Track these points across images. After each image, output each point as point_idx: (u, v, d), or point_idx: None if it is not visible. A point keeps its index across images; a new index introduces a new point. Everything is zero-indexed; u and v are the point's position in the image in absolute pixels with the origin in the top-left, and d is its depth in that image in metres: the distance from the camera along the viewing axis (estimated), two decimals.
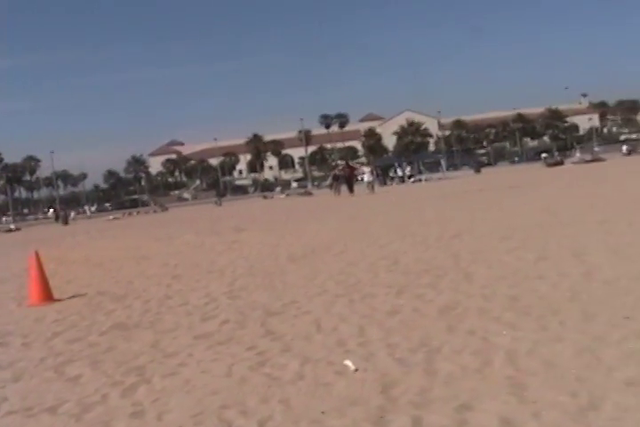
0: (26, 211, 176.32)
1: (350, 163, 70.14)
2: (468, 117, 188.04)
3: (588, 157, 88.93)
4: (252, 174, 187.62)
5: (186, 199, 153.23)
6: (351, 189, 49.97)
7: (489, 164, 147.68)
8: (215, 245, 21.64)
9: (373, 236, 19.00)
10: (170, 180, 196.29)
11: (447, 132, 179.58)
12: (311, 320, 8.99)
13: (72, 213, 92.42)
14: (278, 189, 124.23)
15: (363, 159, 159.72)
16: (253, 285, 12.65)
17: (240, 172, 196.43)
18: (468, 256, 13.10)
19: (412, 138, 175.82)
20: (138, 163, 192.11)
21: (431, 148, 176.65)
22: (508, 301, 8.83)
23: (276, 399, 6.10)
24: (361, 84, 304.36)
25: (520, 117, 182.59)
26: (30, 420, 6.32)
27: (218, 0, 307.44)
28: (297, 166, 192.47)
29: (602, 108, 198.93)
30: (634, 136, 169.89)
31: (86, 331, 10.05)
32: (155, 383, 7.05)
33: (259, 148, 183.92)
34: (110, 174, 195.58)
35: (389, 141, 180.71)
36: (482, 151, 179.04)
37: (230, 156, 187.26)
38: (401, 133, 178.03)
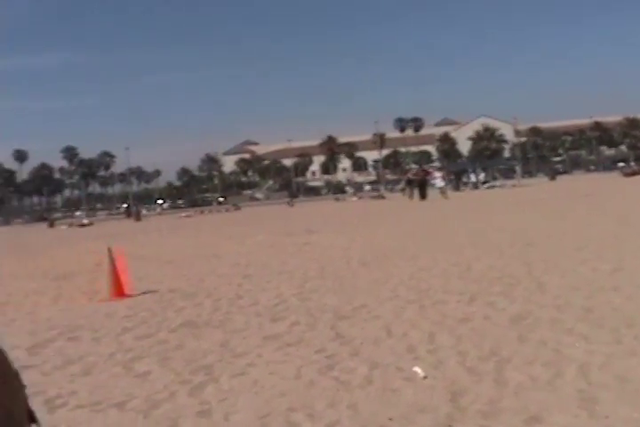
0: (99, 206, 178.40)
1: (424, 167, 69.79)
2: (544, 124, 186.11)
3: None
4: (325, 176, 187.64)
5: (258, 199, 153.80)
6: (424, 194, 49.74)
7: (564, 172, 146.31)
8: (287, 246, 21.68)
9: (446, 241, 18.90)
10: (243, 179, 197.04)
11: (523, 139, 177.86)
12: (381, 325, 8.95)
13: (143, 210, 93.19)
14: (351, 191, 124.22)
15: (436, 164, 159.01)
16: (324, 287, 12.65)
17: (313, 173, 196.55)
18: (541, 265, 12.96)
19: (487, 144, 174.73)
20: (212, 161, 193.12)
21: (506, 154, 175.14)
22: (582, 312, 8.71)
23: (343, 404, 6.07)
24: (437, 89, 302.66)
25: (597, 126, 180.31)
26: (98, 415, 6.36)
27: (301, 4, 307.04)
28: (370, 169, 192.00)
29: None
30: None
31: (156, 328, 10.12)
32: (223, 383, 7.06)
33: (332, 149, 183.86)
34: (184, 172, 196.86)
35: (464, 146, 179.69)
36: (557, 159, 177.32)
37: (304, 157, 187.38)
38: (476, 139, 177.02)
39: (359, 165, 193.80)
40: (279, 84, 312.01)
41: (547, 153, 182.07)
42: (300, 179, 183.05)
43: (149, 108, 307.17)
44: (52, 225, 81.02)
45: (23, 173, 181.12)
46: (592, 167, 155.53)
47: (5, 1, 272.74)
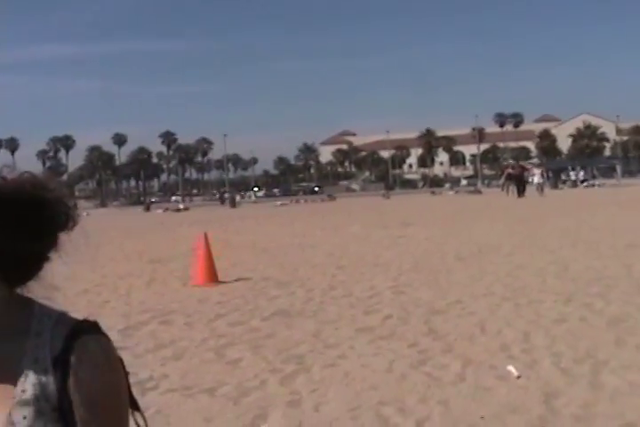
0: (195, 192, 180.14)
1: (522, 163, 69.08)
2: None
3: None
4: (422, 169, 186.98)
5: (354, 190, 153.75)
6: (522, 190, 49.19)
7: None
8: (382, 239, 21.64)
9: (543, 239, 18.67)
10: (339, 169, 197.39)
11: (625, 138, 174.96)
12: (475, 322, 8.88)
13: (237, 197, 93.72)
14: (447, 185, 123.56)
15: (535, 160, 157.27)
16: (418, 281, 12.61)
17: (410, 166, 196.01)
18: None
19: (588, 142, 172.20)
20: (309, 151, 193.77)
21: (607, 153, 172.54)
22: None
23: (435, 400, 6.03)
24: (538, 84, 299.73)
25: None
26: (189, 399, 6.42)
27: None
28: (468, 164, 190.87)
29: None
30: None
31: (249, 315, 10.19)
32: (314, 373, 7.08)
33: (430, 143, 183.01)
34: (280, 161, 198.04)
35: (564, 144, 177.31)
36: None
37: (401, 149, 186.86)
38: (576, 136, 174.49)
39: (457, 160, 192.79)
40: (381, 75, 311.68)
41: None
42: (397, 171, 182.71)
43: (249, 96, 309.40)
44: (147, 209, 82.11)
45: (122, 156, 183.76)
46: None
47: None
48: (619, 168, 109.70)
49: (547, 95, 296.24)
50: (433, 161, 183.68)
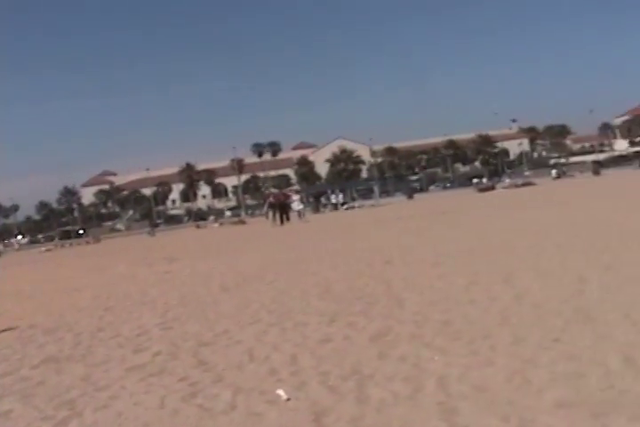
0: None
1: (284, 190, 69.93)
2: (399, 144, 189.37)
3: (519, 182, 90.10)
4: (186, 204, 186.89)
5: (119, 230, 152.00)
6: (285, 217, 49.75)
7: (421, 190, 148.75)
8: (147, 276, 21.48)
9: (305, 264, 19.00)
10: (103, 210, 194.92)
11: (379, 159, 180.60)
12: (243, 350, 8.95)
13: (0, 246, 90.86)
14: (212, 218, 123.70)
15: (296, 187, 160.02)
16: (185, 315, 12.59)
17: (173, 201, 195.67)
18: (399, 283, 13.15)
19: (345, 165, 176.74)
20: (70, 194, 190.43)
21: (364, 175, 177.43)
22: (440, 326, 8.88)
23: None
24: (293, 113, 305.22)
25: (451, 143, 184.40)
26: None
27: (148, 29, 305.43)
28: (230, 195, 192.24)
29: (531, 133, 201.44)
30: (563, 160, 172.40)
31: (17, 364, 9.92)
32: (86, 417, 6.98)
33: (191, 177, 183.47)
34: (42, 205, 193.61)
35: (322, 169, 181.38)
36: (414, 177, 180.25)
37: (163, 185, 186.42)
38: (333, 161, 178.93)
39: (219, 192, 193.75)
40: (135, 113, 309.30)
41: (403, 172, 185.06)
42: (161, 208, 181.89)
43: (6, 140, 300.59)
44: None
45: None
46: (448, 184, 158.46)
47: None
48: (376, 189, 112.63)
49: (302, 123, 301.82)
50: (195, 195, 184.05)
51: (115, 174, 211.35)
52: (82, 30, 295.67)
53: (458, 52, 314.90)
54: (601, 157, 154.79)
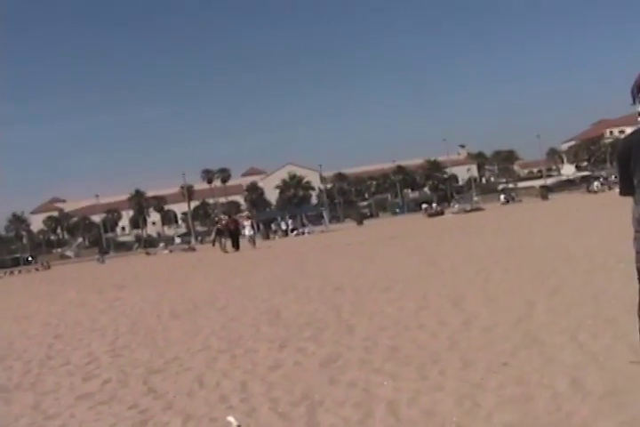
0: None
1: (234, 217, 69.74)
2: (349, 170, 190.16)
3: (468, 207, 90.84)
4: (135, 231, 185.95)
5: (69, 257, 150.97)
6: (236, 244, 49.51)
7: (371, 215, 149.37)
8: (97, 303, 21.35)
9: (255, 290, 18.98)
10: (52, 237, 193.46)
11: (329, 185, 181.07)
12: (193, 377, 8.94)
13: None
14: (162, 245, 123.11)
15: (245, 213, 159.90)
16: (135, 342, 12.53)
17: (123, 228, 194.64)
18: (349, 308, 13.20)
19: (295, 191, 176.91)
20: (19, 221, 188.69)
21: (314, 201, 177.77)
22: (389, 351, 8.92)
23: None
24: (242, 139, 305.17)
25: (400, 169, 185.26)
26: None
27: (99, 53, 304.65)
28: (180, 222, 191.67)
29: (479, 159, 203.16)
30: (511, 185, 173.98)
31: None
32: None
33: (141, 204, 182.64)
34: None
35: (272, 195, 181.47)
36: (364, 203, 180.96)
37: (112, 212, 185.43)
38: (283, 187, 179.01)
39: (169, 218, 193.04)
40: (83, 139, 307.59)
41: (353, 198, 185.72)
42: (110, 235, 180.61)
43: None
44: None
45: None
46: (397, 210, 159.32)
47: None
48: (325, 215, 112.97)
49: (251, 149, 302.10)
50: (145, 222, 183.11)
51: (64, 201, 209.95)
52: (28, 55, 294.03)
53: (405, 79, 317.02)
54: (548, 181, 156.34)
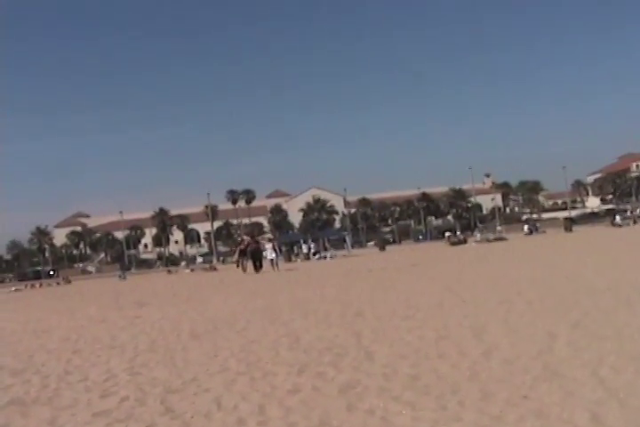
0: None
1: (256, 238, 69.73)
2: (373, 195, 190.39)
3: (491, 237, 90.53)
4: (158, 248, 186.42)
5: (90, 272, 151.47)
6: (258, 265, 49.40)
7: (394, 241, 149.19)
8: (117, 320, 21.36)
9: (276, 313, 18.96)
10: (74, 252, 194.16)
11: (353, 210, 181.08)
12: (211, 398, 8.92)
13: None
14: (183, 263, 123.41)
15: (268, 235, 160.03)
16: (154, 361, 12.53)
17: (145, 245, 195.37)
18: (369, 335, 13.15)
19: (318, 215, 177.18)
20: (42, 234, 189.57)
21: (337, 225, 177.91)
22: (409, 380, 8.89)
23: None
24: (268, 161, 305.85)
25: (424, 196, 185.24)
26: None
27: (128, 70, 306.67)
28: (203, 241, 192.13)
29: (504, 188, 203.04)
30: (535, 216, 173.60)
31: None
32: None
33: (164, 222, 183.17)
34: (14, 245, 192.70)
35: (295, 218, 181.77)
36: (387, 229, 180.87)
37: (136, 229, 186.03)
38: (307, 210, 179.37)
39: (192, 238, 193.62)
40: (111, 156, 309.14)
41: (376, 223, 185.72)
42: (133, 251, 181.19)
43: None
44: None
45: None
46: (420, 237, 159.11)
47: None
48: (348, 239, 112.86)
49: (276, 172, 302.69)
50: (168, 240, 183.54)
51: (88, 216, 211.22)
52: (55, 69, 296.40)
53: (432, 106, 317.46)
54: (573, 213, 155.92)
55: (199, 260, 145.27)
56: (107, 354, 14.10)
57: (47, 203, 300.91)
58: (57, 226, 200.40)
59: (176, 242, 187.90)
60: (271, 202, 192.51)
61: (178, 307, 24.24)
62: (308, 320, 16.58)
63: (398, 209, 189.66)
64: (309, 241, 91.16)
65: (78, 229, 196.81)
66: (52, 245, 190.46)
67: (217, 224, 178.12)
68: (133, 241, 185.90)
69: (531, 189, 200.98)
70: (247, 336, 14.64)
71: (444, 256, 51.59)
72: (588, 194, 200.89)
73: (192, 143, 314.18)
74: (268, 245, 55.15)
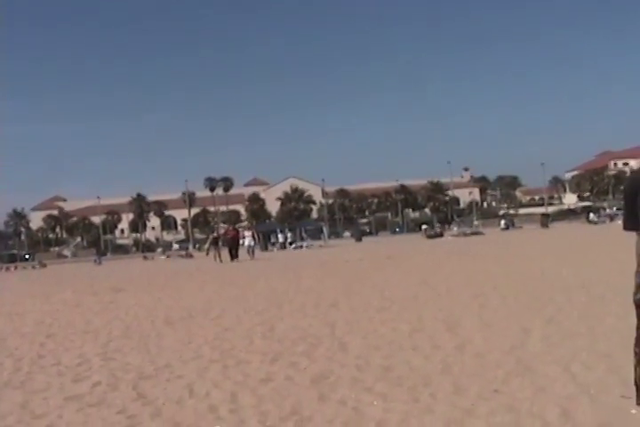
0: None
1: (234, 226, 69.55)
2: (351, 187, 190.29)
3: (468, 231, 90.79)
4: (134, 234, 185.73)
5: (66, 256, 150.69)
6: (234, 254, 49.28)
7: (370, 233, 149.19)
8: (92, 305, 21.34)
9: (251, 301, 18.99)
10: (51, 236, 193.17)
11: (330, 201, 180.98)
12: (184, 385, 8.92)
13: None
14: (159, 250, 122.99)
15: (245, 223, 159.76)
16: (128, 347, 12.51)
17: (122, 231, 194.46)
18: (343, 326, 13.19)
19: (296, 204, 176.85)
20: (19, 217, 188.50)
21: (314, 215, 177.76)
22: (381, 371, 8.91)
23: None
24: (247, 149, 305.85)
25: (402, 189, 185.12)
26: None
27: (109, 57, 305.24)
28: (179, 228, 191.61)
29: (482, 183, 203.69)
30: (512, 211, 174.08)
31: None
32: None
33: (142, 207, 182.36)
34: None
35: (273, 207, 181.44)
36: (364, 220, 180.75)
37: (112, 214, 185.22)
38: (284, 199, 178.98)
39: (168, 224, 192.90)
40: (90, 141, 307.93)
41: (354, 214, 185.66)
42: (109, 236, 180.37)
43: None
44: None
45: None
46: (397, 229, 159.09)
47: None
48: (325, 230, 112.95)
49: (255, 160, 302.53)
50: (145, 226, 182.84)
51: (65, 200, 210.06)
52: (35, 54, 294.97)
53: (413, 100, 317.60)
54: (550, 209, 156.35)
55: (175, 246, 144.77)
56: (80, 339, 14.08)
57: (25, 186, 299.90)
58: (34, 209, 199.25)
59: (153, 228, 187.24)
60: (249, 190, 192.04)
61: (153, 293, 24.23)
62: (282, 310, 16.61)
63: (376, 201, 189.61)
64: (286, 231, 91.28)
65: (55, 212, 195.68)
66: (29, 229, 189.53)
67: (194, 211, 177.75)
68: (110, 226, 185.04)
69: (509, 184, 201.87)
70: (221, 324, 14.65)
71: (420, 249, 51.72)
72: (565, 191, 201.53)
73: (172, 130, 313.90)
74: (247, 233, 55.14)
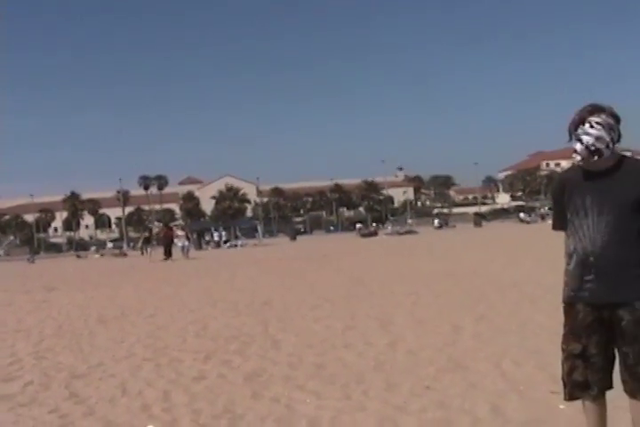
0: None
1: (169, 225, 69.08)
2: (286, 185, 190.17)
3: (401, 230, 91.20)
4: (68, 233, 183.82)
5: None
6: (168, 253, 49.05)
7: (305, 232, 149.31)
8: (24, 304, 21.14)
9: (184, 300, 18.94)
10: None
11: (265, 199, 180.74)
12: (117, 384, 8.88)
13: None
14: (93, 248, 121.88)
15: (180, 222, 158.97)
16: (60, 346, 12.42)
17: (55, 229, 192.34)
18: (277, 324, 13.22)
19: (230, 203, 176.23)
20: None
21: (249, 213, 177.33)
22: (314, 369, 8.95)
23: None
24: (182, 148, 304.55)
25: (337, 188, 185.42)
26: None
27: (44, 53, 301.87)
28: (114, 226, 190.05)
29: (416, 182, 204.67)
30: (445, 210, 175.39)
31: None
32: None
33: (75, 206, 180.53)
34: None
35: (208, 205, 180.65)
36: (299, 219, 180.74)
37: (46, 212, 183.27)
38: (219, 198, 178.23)
39: (102, 222, 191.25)
40: (22, 138, 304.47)
41: (288, 213, 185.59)
42: (42, 235, 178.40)
43: None
44: None
45: None
46: (332, 228, 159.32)
47: None
48: (260, 228, 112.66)
49: (190, 158, 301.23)
50: (79, 224, 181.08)
51: None
52: None
53: (347, 99, 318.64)
54: (483, 209, 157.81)
55: (109, 245, 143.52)
56: (12, 338, 13.96)
57: None
58: None
59: (86, 227, 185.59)
60: (184, 189, 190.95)
61: (86, 292, 24.05)
62: (215, 308, 16.59)
63: (311, 200, 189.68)
64: (221, 229, 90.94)
65: None
66: None
67: (128, 210, 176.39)
68: (43, 225, 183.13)
69: (442, 183, 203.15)
70: (155, 323, 14.62)
71: (354, 248, 51.91)
72: (498, 190, 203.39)
73: (106, 129, 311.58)
74: (181, 233, 54.84)
